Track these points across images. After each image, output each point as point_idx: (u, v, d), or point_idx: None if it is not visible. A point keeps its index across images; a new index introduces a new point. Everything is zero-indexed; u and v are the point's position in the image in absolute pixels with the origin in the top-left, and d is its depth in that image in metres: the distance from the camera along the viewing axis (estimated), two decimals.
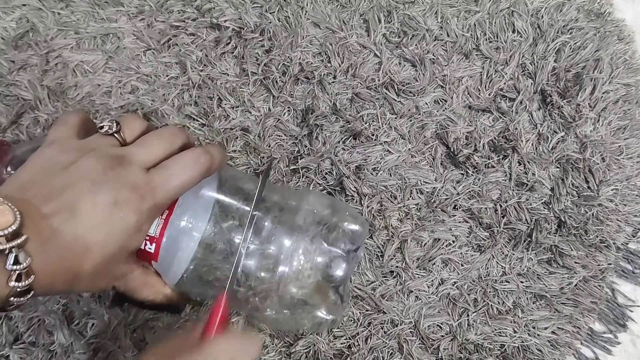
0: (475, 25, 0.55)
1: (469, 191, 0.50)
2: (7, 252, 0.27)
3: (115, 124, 0.36)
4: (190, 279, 0.38)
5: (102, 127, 0.36)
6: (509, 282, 0.49)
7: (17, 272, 0.27)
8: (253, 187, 0.40)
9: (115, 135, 0.36)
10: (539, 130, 0.52)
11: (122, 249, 0.33)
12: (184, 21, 0.53)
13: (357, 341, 0.47)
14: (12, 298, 0.28)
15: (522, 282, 0.49)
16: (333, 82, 0.52)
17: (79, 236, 0.30)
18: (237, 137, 0.50)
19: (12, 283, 0.27)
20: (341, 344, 0.47)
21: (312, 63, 0.53)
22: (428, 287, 0.49)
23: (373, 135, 0.51)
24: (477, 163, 0.50)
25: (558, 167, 0.52)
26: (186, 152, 0.36)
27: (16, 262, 0.27)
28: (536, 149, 0.52)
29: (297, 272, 0.38)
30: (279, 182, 0.50)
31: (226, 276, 0.36)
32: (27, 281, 0.28)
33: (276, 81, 0.52)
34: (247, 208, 0.38)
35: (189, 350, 0.31)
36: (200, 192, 0.38)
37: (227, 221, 0.38)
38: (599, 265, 0.50)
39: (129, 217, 0.32)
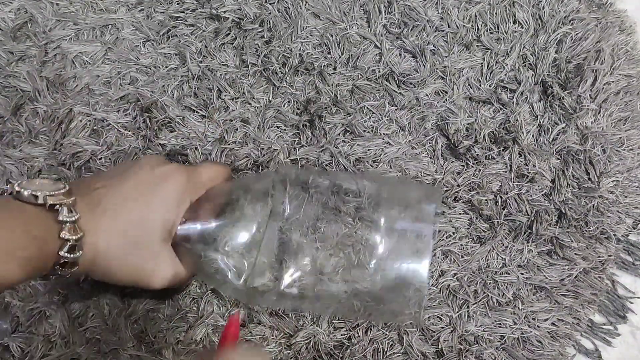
0: (476, 16, 0.54)
1: (470, 183, 0.50)
2: (58, 207, 0.33)
3: None
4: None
5: None
6: (509, 273, 0.49)
7: (68, 224, 0.33)
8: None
9: None
10: (540, 122, 0.52)
11: (163, 222, 0.38)
12: (183, 12, 0.53)
13: (358, 332, 0.47)
14: (61, 253, 0.33)
15: (522, 273, 0.49)
16: (333, 73, 0.52)
17: (118, 204, 0.37)
18: (236, 129, 0.50)
19: (64, 234, 0.33)
20: (341, 335, 0.47)
21: (312, 54, 0.52)
22: (428, 278, 0.49)
23: (372, 128, 0.51)
24: (477, 154, 0.50)
25: (559, 159, 0.51)
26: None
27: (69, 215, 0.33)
28: (537, 140, 0.52)
29: None
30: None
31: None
32: (76, 236, 0.34)
33: (276, 72, 0.52)
34: None
35: None
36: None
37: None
38: (599, 256, 0.50)
39: (168, 190, 0.39)
